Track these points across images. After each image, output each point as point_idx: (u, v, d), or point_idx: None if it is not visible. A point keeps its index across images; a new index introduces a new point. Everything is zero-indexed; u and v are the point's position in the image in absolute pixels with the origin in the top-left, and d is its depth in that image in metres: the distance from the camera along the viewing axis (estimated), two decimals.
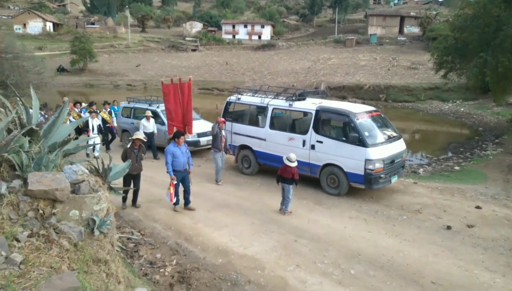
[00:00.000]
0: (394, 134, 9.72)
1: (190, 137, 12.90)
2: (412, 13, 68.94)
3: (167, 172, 7.81)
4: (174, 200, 7.87)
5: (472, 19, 20.43)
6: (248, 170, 11.02)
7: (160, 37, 75.59)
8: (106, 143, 13.65)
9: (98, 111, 13.54)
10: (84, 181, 3.68)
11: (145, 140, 8.19)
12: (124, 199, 8.16)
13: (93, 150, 12.69)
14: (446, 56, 23.66)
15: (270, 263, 5.96)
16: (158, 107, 13.43)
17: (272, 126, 10.35)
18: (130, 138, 7.50)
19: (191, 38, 74.16)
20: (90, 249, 3.25)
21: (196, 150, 12.99)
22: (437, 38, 29.32)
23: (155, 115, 13.27)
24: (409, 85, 36.77)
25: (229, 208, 8.31)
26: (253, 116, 11.14)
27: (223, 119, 10.31)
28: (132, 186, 7.96)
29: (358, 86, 37.80)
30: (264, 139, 10.44)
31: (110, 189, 4.39)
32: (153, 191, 9.37)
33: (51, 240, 2.97)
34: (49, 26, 75.22)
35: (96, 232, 3.41)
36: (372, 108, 10.26)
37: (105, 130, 13.52)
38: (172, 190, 7.70)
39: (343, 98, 34.10)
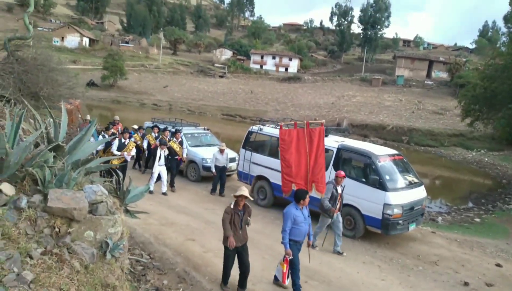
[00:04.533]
0: (416, 180, 9.53)
1: (208, 162, 12.80)
2: (441, 58, 68.92)
3: (282, 243, 5.93)
4: (287, 282, 6.10)
5: (503, 69, 20.36)
6: (264, 202, 10.93)
7: (190, 61, 77.55)
8: (171, 179, 11.84)
9: (170, 140, 12.06)
10: (102, 201, 3.70)
11: (248, 197, 5.88)
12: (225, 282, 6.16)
13: (157, 181, 11.27)
14: (473, 105, 23.50)
15: None
16: (181, 130, 13.58)
17: None
18: (233, 195, 5.68)
19: (219, 65, 75.81)
20: (100, 273, 3.24)
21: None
22: (466, 86, 29.24)
23: (158, 131, 13.35)
24: (433, 129, 36.31)
25: None
26: (273, 148, 11.13)
27: (343, 173, 8.23)
28: (239, 266, 5.94)
29: (381, 126, 37.55)
30: None
31: (127, 211, 4.41)
32: (167, 214, 9.38)
33: (63, 260, 2.97)
34: (86, 41, 78.32)
35: (108, 256, 3.40)
36: (395, 151, 10.13)
37: (171, 163, 11.76)
38: (285, 269, 5.98)
39: (365, 137, 33.87)
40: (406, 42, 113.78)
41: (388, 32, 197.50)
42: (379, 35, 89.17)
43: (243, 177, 11.67)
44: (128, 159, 11.37)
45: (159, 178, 11.22)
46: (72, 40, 76.45)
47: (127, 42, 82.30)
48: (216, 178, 11.64)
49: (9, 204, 3.12)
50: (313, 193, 7.26)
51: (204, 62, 78.31)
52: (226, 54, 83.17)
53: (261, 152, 11.25)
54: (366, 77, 64.41)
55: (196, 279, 6.23)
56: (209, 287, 6.05)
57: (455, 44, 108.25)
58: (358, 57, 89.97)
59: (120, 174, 4.87)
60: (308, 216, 6.16)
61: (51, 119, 4.54)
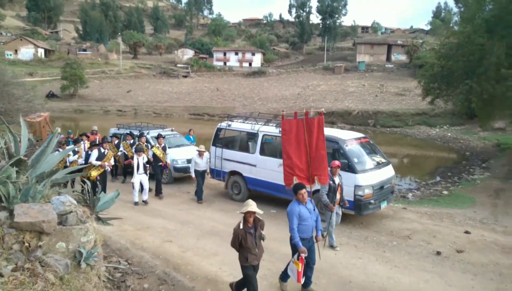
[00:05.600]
0: (383, 160, 9.82)
1: (179, 163, 12.87)
2: (399, 42, 70.81)
3: (293, 242, 5.64)
4: (302, 281, 5.67)
5: (457, 48, 21.07)
6: (238, 196, 10.98)
7: (152, 64, 76.27)
8: (157, 186, 11.53)
9: (148, 147, 11.79)
10: (71, 212, 3.65)
11: (258, 214, 5.26)
12: None
13: (141, 191, 10.78)
14: (432, 83, 24.27)
15: None
16: (148, 133, 13.41)
17: (262, 152, 10.40)
18: (240, 212, 5.07)
19: (182, 65, 74.95)
20: (76, 282, 3.20)
21: (186, 176, 12.98)
22: (424, 66, 30.14)
23: (133, 138, 13.12)
24: (397, 111, 37.39)
25: (218, 236, 8.23)
26: (244, 142, 11.20)
27: (337, 162, 7.90)
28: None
29: (347, 112, 38.30)
30: (255, 165, 10.47)
31: (98, 219, 4.36)
32: (142, 219, 9.28)
33: (36, 274, 2.92)
34: (41, 52, 75.52)
35: (83, 265, 3.36)
36: (361, 135, 10.39)
37: (155, 170, 11.50)
38: (301, 268, 5.52)
39: (332, 124, 34.48)
40: (365, 28, 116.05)
41: (346, 20, 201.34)
42: (337, 23, 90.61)
43: (216, 174, 11.66)
44: (108, 169, 11.03)
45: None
46: (26, 52, 73.50)
47: (84, 50, 79.92)
48: (199, 184, 10.98)
49: None
50: (317, 185, 7.00)
51: (166, 64, 77.19)
52: (188, 53, 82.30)
53: (231, 148, 11.27)
54: (328, 65, 65.35)
55: (177, 279, 6.22)
56: (191, 285, 6.06)
57: (411, 27, 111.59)
58: (319, 47, 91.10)
59: (88, 183, 4.79)
60: (314, 210, 5.88)
61: (10, 135, 4.40)
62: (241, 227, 5.05)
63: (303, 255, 5.47)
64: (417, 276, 6.53)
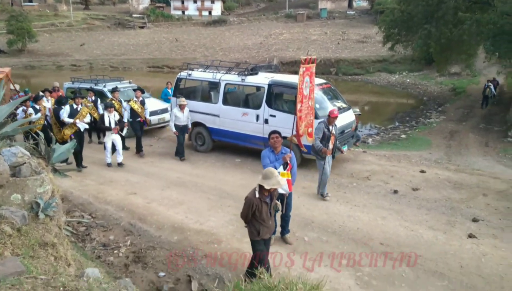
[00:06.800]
0: (344, 105, 9.98)
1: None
2: None
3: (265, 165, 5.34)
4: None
5: None
6: (202, 147, 10.94)
7: (105, 15, 71.83)
8: (138, 143, 10.81)
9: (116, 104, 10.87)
10: (25, 163, 3.52)
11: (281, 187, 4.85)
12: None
13: (113, 151, 9.83)
14: (392, 29, 24.46)
15: (227, 236, 6.03)
16: (104, 86, 12.85)
17: (225, 102, 10.27)
18: (260, 184, 4.32)
19: (138, 15, 71.12)
20: (36, 233, 3.13)
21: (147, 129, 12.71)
22: (385, 12, 30.13)
23: (102, 95, 12.58)
24: (358, 58, 37.65)
25: (184, 186, 8.26)
26: (206, 92, 10.99)
27: (336, 112, 7.45)
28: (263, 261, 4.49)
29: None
30: (218, 116, 10.36)
31: (55, 170, 4.22)
32: (104, 173, 9.13)
33: None
34: None
35: (41, 215, 3.28)
36: (322, 81, 10.43)
37: (134, 126, 10.74)
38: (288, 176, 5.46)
39: (295, 73, 34.21)
40: None
41: None
42: None
43: None
44: (82, 127, 9.63)
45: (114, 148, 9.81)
46: None
47: (30, 1, 73.94)
48: (180, 139, 10.28)
49: None
50: (305, 141, 6.89)
51: (121, 14, 72.93)
52: (144, 3, 77.86)
53: (193, 98, 11.03)
54: (291, 13, 64.03)
55: (143, 229, 6.25)
56: (157, 234, 6.11)
57: None
58: None
59: (42, 135, 4.59)
60: (287, 163, 5.47)
61: None
62: (257, 195, 4.37)
63: (288, 159, 5.40)
64: (375, 214, 6.89)
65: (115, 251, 5.50)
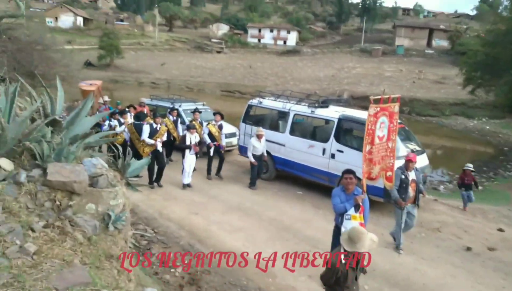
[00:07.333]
0: (418, 148, 9.50)
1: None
2: (441, 26, 67.80)
3: (337, 210, 5.35)
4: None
5: (504, 35, 20.06)
6: (265, 175, 10.92)
7: (187, 38, 76.44)
8: (219, 166, 10.79)
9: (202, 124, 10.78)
10: (102, 174, 3.67)
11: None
12: None
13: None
14: (475, 72, 23.30)
15: (282, 272, 5.86)
16: (180, 106, 13.43)
17: (292, 132, 10.24)
18: (349, 250, 3.73)
19: (217, 40, 74.74)
20: (104, 244, 3.23)
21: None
22: (467, 53, 28.79)
23: (177, 115, 13.00)
24: (434, 99, 36.00)
25: (244, 212, 8.25)
26: (274, 121, 11.06)
27: (414, 156, 7.14)
28: None
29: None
30: (284, 145, 10.34)
31: (128, 184, 4.38)
32: (170, 190, 9.41)
33: (65, 232, 2.95)
34: (80, 20, 77.03)
35: (111, 227, 3.38)
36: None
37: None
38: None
39: (366, 108, 33.61)
40: (406, 10, 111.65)
41: (387, 1, 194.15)
42: (378, 4, 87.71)
43: (244, 151, 11.61)
44: (160, 146, 9.62)
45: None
46: (66, 20, 75.13)
47: (122, 20, 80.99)
48: (253, 169, 10.12)
49: (8, 179, 3.09)
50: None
51: (201, 38, 77.18)
52: (223, 29, 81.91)
53: (261, 126, 11.12)
54: (365, 48, 63.58)
55: (200, 251, 6.28)
56: (214, 258, 6.10)
57: (456, 11, 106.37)
58: (357, 27, 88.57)
59: (120, 148, 4.82)
60: (358, 206, 5.18)
61: (47, 95, 4.46)
62: (343, 260, 3.75)
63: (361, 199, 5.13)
64: (444, 270, 6.34)
65: (172, 270, 5.56)
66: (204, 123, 11.21)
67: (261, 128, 10.23)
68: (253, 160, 10.01)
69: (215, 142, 10.59)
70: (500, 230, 8.37)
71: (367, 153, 6.07)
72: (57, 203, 3.15)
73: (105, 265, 3.16)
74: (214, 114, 11.20)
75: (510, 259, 6.92)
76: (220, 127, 10.86)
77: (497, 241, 7.74)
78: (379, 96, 6.04)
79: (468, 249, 7.24)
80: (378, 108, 6.05)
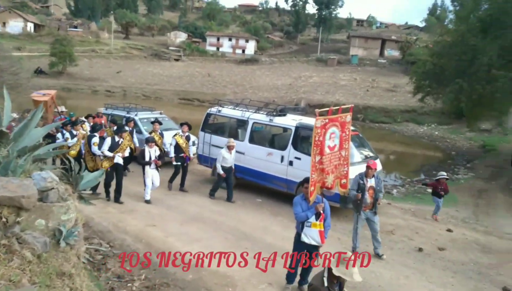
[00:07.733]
0: (371, 154, 9.86)
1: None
2: (393, 37, 70.95)
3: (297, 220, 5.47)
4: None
5: (450, 46, 21.17)
6: (225, 184, 10.89)
7: (144, 45, 75.08)
8: (182, 179, 10.55)
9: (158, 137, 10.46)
10: (53, 188, 3.54)
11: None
12: None
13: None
14: (424, 81, 24.41)
15: (242, 281, 5.86)
16: (136, 115, 13.17)
17: (251, 140, 10.33)
18: (341, 276, 3.79)
19: (174, 48, 73.96)
20: (55, 262, 3.10)
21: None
22: (416, 63, 30.21)
23: (134, 124, 12.70)
24: (386, 107, 37.54)
25: (202, 222, 8.19)
26: (233, 129, 11.11)
27: (374, 164, 7.31)
28: None
29: (337, 105, 38.21)
30: (243, 153, 10.39)
31: (81, 198, 4.25)
32: (126, 202, 9.17)
33: (12, 251, 2.81)
34: (30, 26, 73.66)
35: (62, 244, 3.26)
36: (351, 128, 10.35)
37: (180, 161, 10.29)
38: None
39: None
40: (360, 21, 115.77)
41: (342, 12, 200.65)
42: (333, 15, 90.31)
43: (203, 160, 11.57)
44: (119, 160, 9.05)
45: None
46: (15, 25, 71.54)
47: (75, 27, 78.27)
48: (219, 180, 10.02)
49: None
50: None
51: (158, 46, 76.05)
52: (181, 36, 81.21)
53: (220, 134, 11.16)
54: (321, 57, 65.23)
55: (158, 264, 6.16)
56: (172, 271, 6.00)
57: (406, 23, 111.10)
58: (313, 37, 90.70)
59: (72, 161, 4.67)
60: (319, 214, 5.28)
61: None
62: (326, 284, 3.86)
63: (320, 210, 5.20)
64: (398, 271, 6.59)
65: (129, 284, 5.41)
66: (170, 134, 10.92)
67: (232, 140, 9.91)
68: (221, 172, 9.75)
69: (182, 154, 10.28)
70: (449, 230, 8.85)
71: (318, 163, 6.13)
72: (3, 219, 2.99)
73: (56, 284, 3.04)
74: (181, 125, 10.79)
75: (458, 258, 7.32)
76: (188, 138, 10.51)
77: (446, 241, 8.17)
78: (327, 109, 6.03)
79: (420, 250, 7.59)
80: (327, 120, 6.12)
